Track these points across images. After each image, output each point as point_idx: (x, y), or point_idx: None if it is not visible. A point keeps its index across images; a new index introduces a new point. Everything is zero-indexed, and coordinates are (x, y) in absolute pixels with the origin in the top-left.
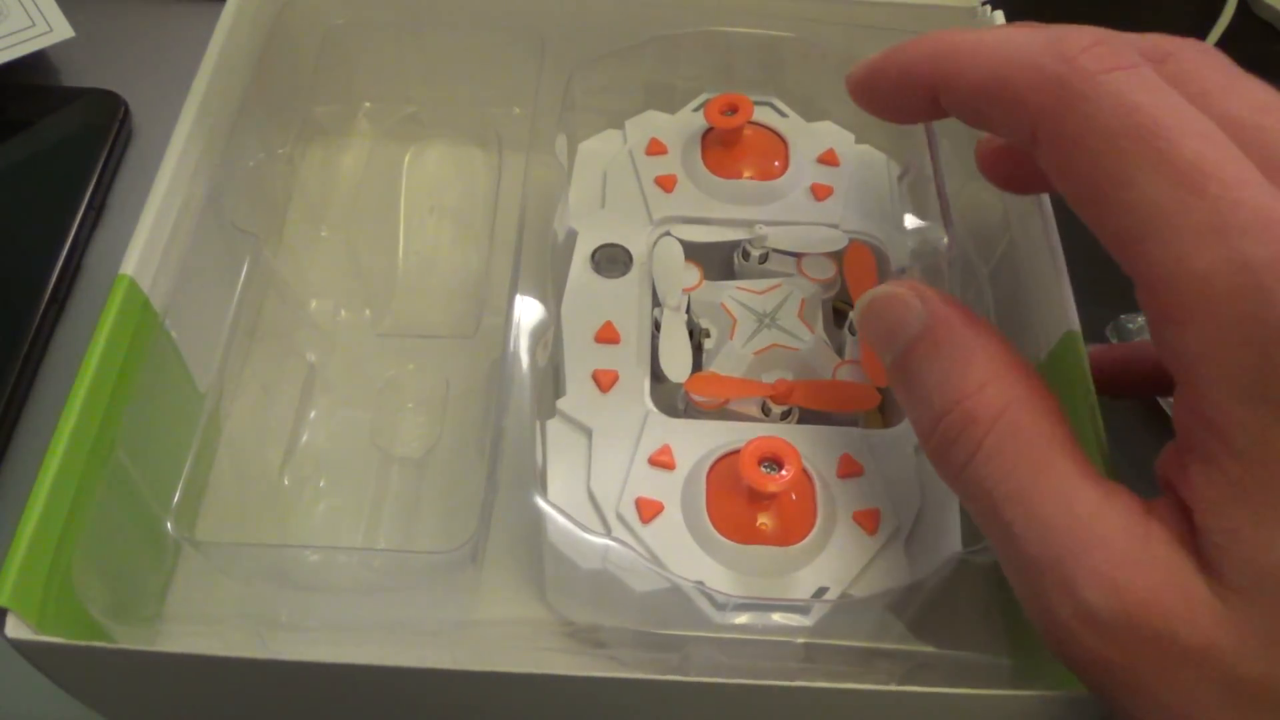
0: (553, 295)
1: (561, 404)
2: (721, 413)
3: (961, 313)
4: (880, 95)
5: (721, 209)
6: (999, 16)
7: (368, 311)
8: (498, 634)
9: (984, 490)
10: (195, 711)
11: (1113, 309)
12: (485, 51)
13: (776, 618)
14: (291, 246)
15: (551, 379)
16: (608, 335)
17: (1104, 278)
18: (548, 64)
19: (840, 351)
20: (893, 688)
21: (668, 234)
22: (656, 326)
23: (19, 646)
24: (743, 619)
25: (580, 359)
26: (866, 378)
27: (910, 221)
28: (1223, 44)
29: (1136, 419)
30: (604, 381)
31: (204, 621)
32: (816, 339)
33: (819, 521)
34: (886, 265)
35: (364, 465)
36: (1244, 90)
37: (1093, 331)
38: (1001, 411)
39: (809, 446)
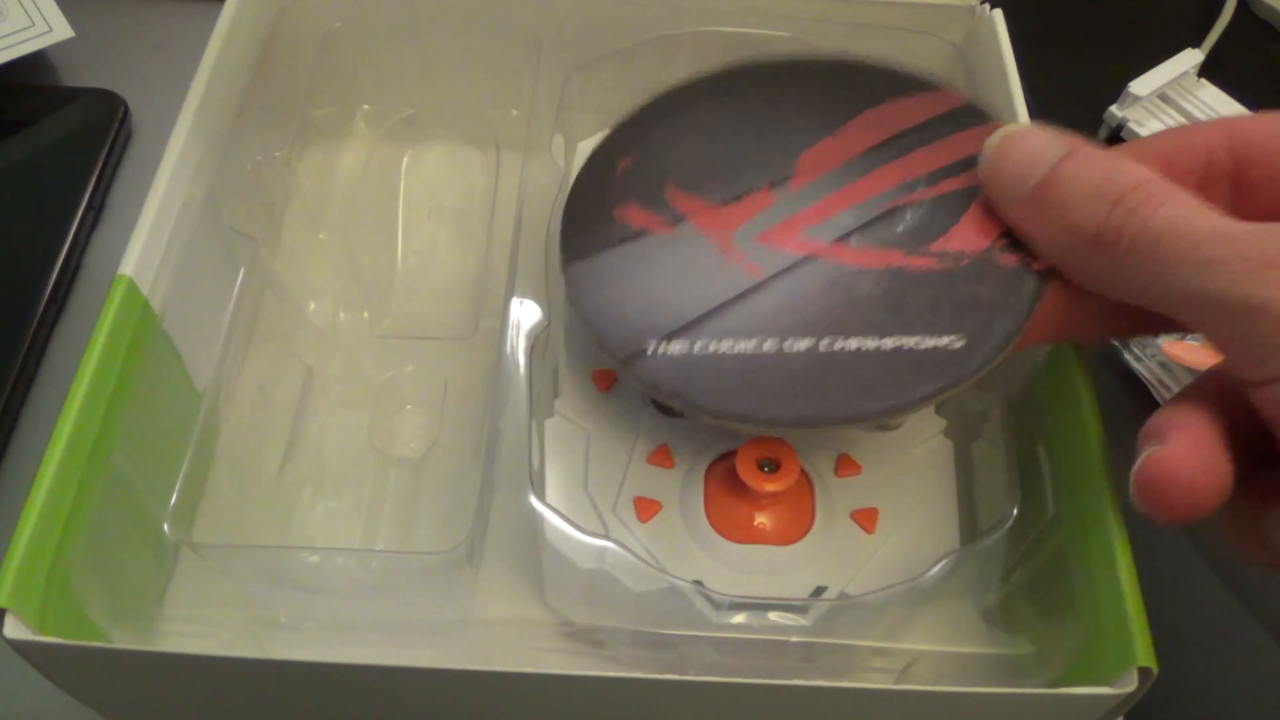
0: (550, 296)
1: (560, 404)
2: None
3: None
4: None
5: None
6: (998, 16)
7: (366, 313)
8: (495, 634)
9: (1170, 242)
10: (193, 712)
11: None
12: (482, 53)
13: (774, 617)
14: (289, 248)
15: (550, 379)
16: None
17: None
18: (545, 65)
19: None
20: (891, 686)
21: None
22: None
23: (18, 647)
24: (740, 619)
25: (578, 359)
26: None
27: None
28: (1222, 44)
29: (1137, 419)
30: (602, 381)
31: (202, 622)
32: None
33: (817, 521)
34: None
35: (362, 466)
36: None
37: None
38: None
39: (807, 446)
